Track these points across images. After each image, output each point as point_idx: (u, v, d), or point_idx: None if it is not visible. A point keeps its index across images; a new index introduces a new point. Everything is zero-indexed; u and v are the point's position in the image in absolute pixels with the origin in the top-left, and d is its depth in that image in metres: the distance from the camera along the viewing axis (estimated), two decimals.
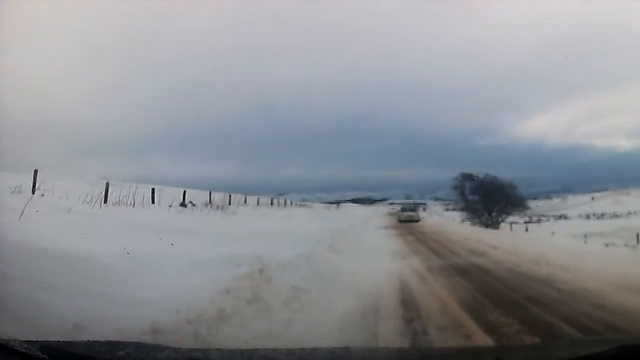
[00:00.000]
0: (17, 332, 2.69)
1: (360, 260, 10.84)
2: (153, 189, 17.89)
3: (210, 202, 21.39)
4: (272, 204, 31.86)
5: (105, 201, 14.15)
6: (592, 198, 79.22)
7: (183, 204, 18.52)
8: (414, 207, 39.21)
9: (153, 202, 17.09)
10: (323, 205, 51.70)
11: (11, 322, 3.10)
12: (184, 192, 20.76)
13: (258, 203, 29.05)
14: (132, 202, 14.47)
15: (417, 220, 30.69)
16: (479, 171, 30.03)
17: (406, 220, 29.65)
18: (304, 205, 41.29)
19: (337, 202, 62.26)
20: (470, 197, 30.31)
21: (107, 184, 15.18)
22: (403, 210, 36.15)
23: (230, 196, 23.96)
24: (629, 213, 62.75)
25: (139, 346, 2.41)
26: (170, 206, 16.38)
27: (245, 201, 26.83)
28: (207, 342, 4.04)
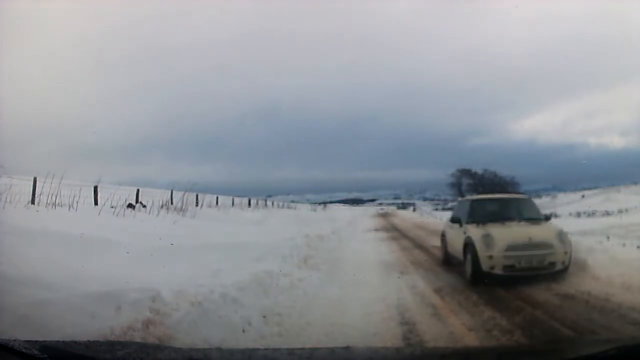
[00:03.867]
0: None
1: (345, 282, 7.89)
2: (95, 188, 15.13)
3: (171, 203, 18.43)
4: (249, 205, 28.91)
5: (33, 202, 12.01)
6: (583, 196, 77.65)
7: (131, 206, 15.63)
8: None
9: (96, 203, 14.43)
10: (309, 206, 49.11)
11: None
12: (137, 192, 17.97)
13: (232, 204, 26.06)
14: (68, 204, 11.99)
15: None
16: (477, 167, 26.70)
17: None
18: (288, 206, 38.35)
19: (324, 203, 60.13)
20: (468, 195, 27.29)
21: (35, 179, 12.73)
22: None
23: (197, 196, 21.11)
24: (620, 211, 61.20)
25: (139, 346, 2.30)
26: (112, 207, 13.46)
27: (217, 202, 23.84)
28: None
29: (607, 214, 66.28)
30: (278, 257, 8.51)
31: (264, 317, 4.97)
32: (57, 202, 11.92)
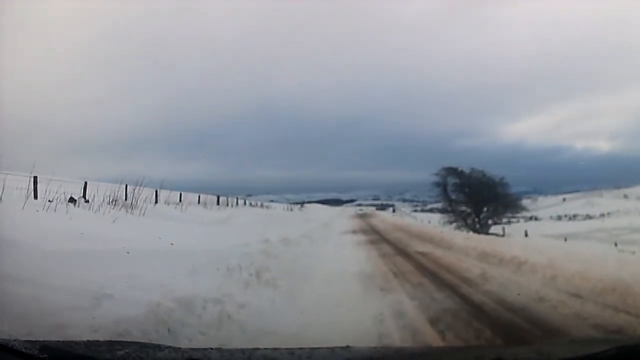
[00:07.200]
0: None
1: (307, 306, 5.81)
2: (35, 178, 13.05)
3: (125, 199, 16.23)
4: (218, 203, 26.75)
5: None
6: (564, 199, 77.49)
7: (72, 200, 13.54)
8: None
9: (35, 197, 12.42)
10: (285, 205, 47.20)
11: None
12: (85, 185, 15.81)
13: (199, 202, 23.87)
14: None
15: None
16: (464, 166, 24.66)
17: None
18: (262, 205, 36.17)
19: (301, 203, 58.68)
20: (454, 196, 25.31)
21: None
22: None
23: (156, 192, 19.01)
24: (602, 215, 60.58)
25: (139, 346, 2.32)
26: (50, 201, 11.34)
27: (180, 199, 21.62)
28: None
29: (588, 217, 65.63)
30: (221, 270, 6.43)
31: None
32: None
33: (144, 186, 17.29)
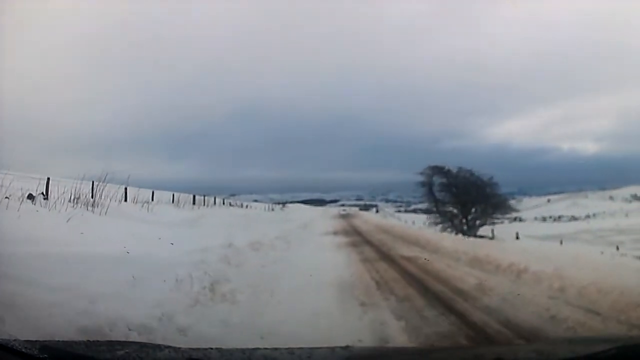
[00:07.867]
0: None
1: (267, 329, 4.69)
2: None
3: (92, 197, 14.99)
4: (194, 203, 25.53)
5: None
6: (548, 200, 77.50)
7: (31, 197, 12.42)
8: None
9: None
10: (267, 205, 46.08)
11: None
12: (47, 181, 14.65)
13: (172, 201, 22.63)
14: None
15: None
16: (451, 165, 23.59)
17: None
18: (241, 205, 34.96)
19: (283, 203, 57.94)
20: (440, 196, 24.25)
21: None
22: None
23: (126, 190, 17.74)
24: (587, 216, 60.49)
25: (139, 346, 2.33)
26: (7, 198, 10.21)
27: (153, 198, 20.36)
28: None
29: (574, 218, 65.53)
30: (168, 282, 5.30)
31: None
32: None
33: (119, 184, 16.28)
